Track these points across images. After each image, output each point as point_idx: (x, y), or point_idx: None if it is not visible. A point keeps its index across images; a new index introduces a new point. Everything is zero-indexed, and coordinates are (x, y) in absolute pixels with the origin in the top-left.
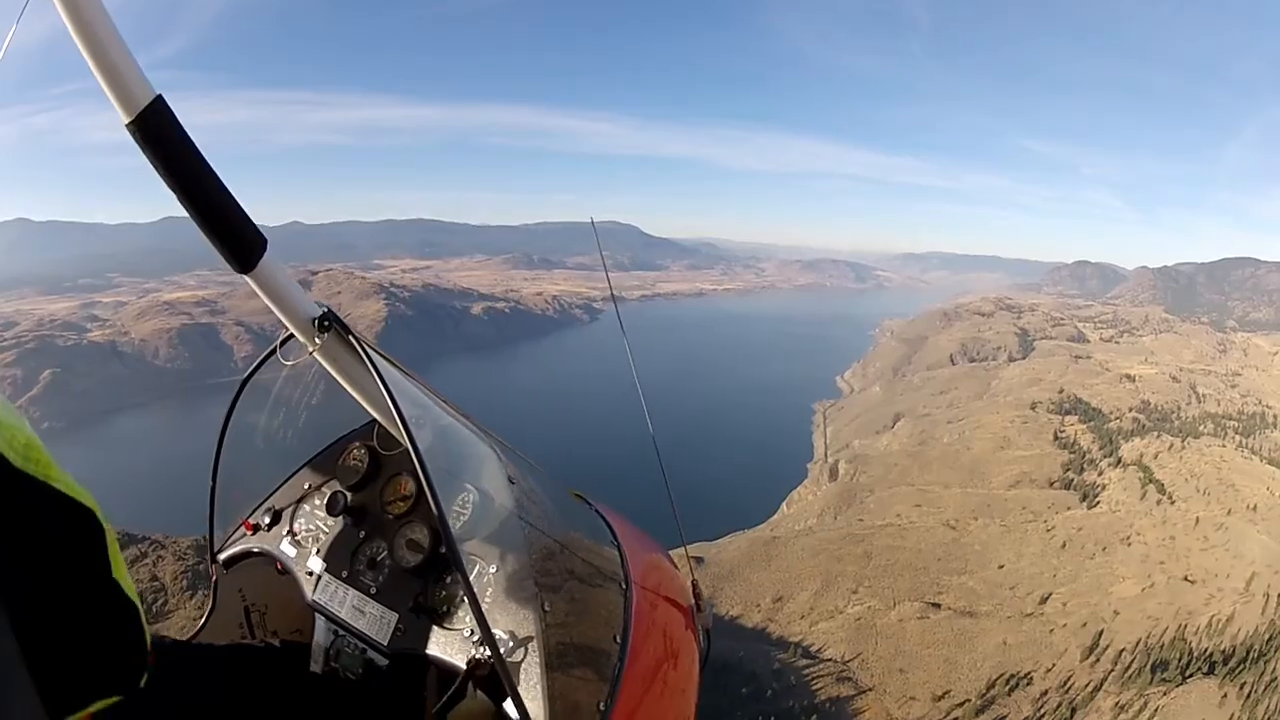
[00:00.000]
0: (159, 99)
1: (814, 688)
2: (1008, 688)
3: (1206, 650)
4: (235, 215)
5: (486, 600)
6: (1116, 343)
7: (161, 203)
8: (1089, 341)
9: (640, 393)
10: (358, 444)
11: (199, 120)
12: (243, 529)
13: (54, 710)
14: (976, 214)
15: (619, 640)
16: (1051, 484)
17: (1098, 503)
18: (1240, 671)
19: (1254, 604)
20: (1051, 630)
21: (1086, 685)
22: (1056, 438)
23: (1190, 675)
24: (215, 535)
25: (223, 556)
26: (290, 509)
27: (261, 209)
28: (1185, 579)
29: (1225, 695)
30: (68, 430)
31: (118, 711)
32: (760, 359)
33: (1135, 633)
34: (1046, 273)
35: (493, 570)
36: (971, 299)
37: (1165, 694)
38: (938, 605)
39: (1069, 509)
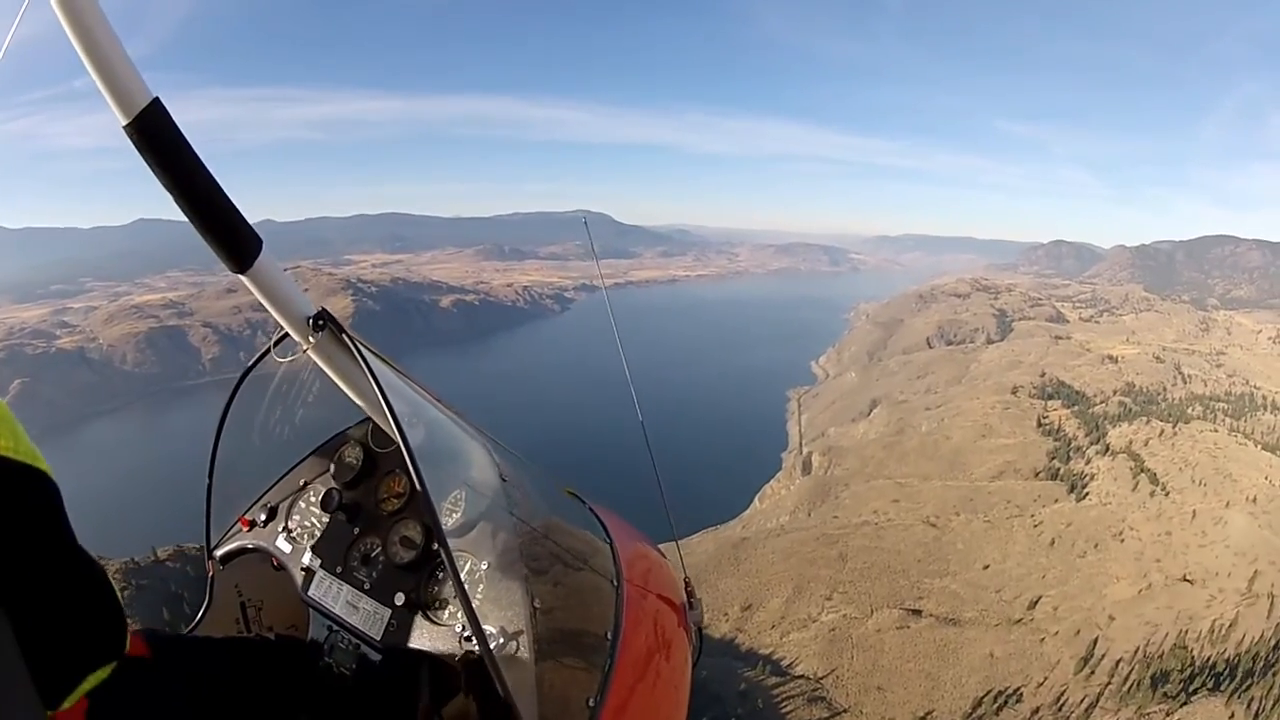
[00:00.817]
0: (156, 101)
1: (784, 710)
2: (996, 706)
3: (1210, 660)
4: (231, 216)
5: (477, 596)
6: (1096, 322)
7: (134, 205)
8: (1068, 321)
9: (630, 385)
10: (352, 442)
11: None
12: (239, 525)
13: (49, 696)
14: (951, 195)
15: (609, 636)
16: (1037, 474)
17: (1086, 494)
18: (1248, 686)
19: (1259, 606)
20: (1042, 639)
21: (1081, 701)
22: (1040, 424)
23: (1195, 690)
24: (211, 531)
25: (219, 553)
26: (286, 505)
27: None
28: (1184, 579)
29: (1232, 715)
30: (37, 440)
31: (116, 703)
32: (734, 346)
33: (1133, 640)
34: (1022, 253)
35: (484, 566)
36: (947, 280)
37: (1168, 714)
38: (918, 612)
39: (1056, 501)
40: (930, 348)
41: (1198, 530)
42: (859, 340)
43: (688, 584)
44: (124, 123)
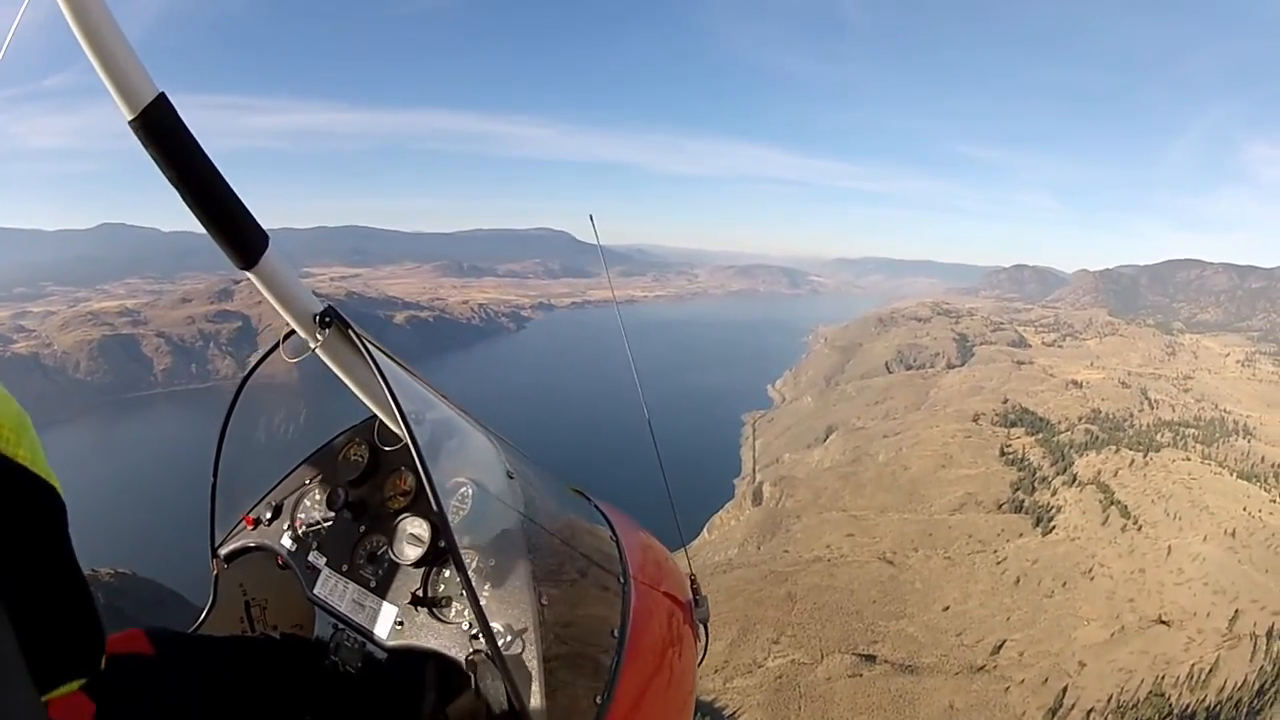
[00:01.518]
0: (161, 96)
1: None
2: None
3: (1188, 708)
4: (238, 212)
5: (484, 593)
6: (1060, 346)
7: (100, 209)
8: (1030, 346)
9: (640, 393)
10: (358, 439)
11: (126, 126)
12: (243, 524)
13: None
14: (913, 218)
15: (616, 634)
16: (1000, 506)
17: (1053, 528)
18: None
19: (1241, 649)
20: (1007, 688)
21: None
22: (1003, 453)
23: None
24: (216, 530)
25: (223, 551)
26: (291, 503)
27: (190, 218)
28: (1159, 620)
29: None
30: None
31: (121, 701)
32: (689, 368)
33: (1105, 688)
34: (984, 276)
35: (491, 564)
36: (908, 304)
37: None
38: (872, 658)
39: (1021, 536)
40: (889, 372)
41: (1173, 567)
42: (816, 364)
43: (694, 581)
44: (129, 118)
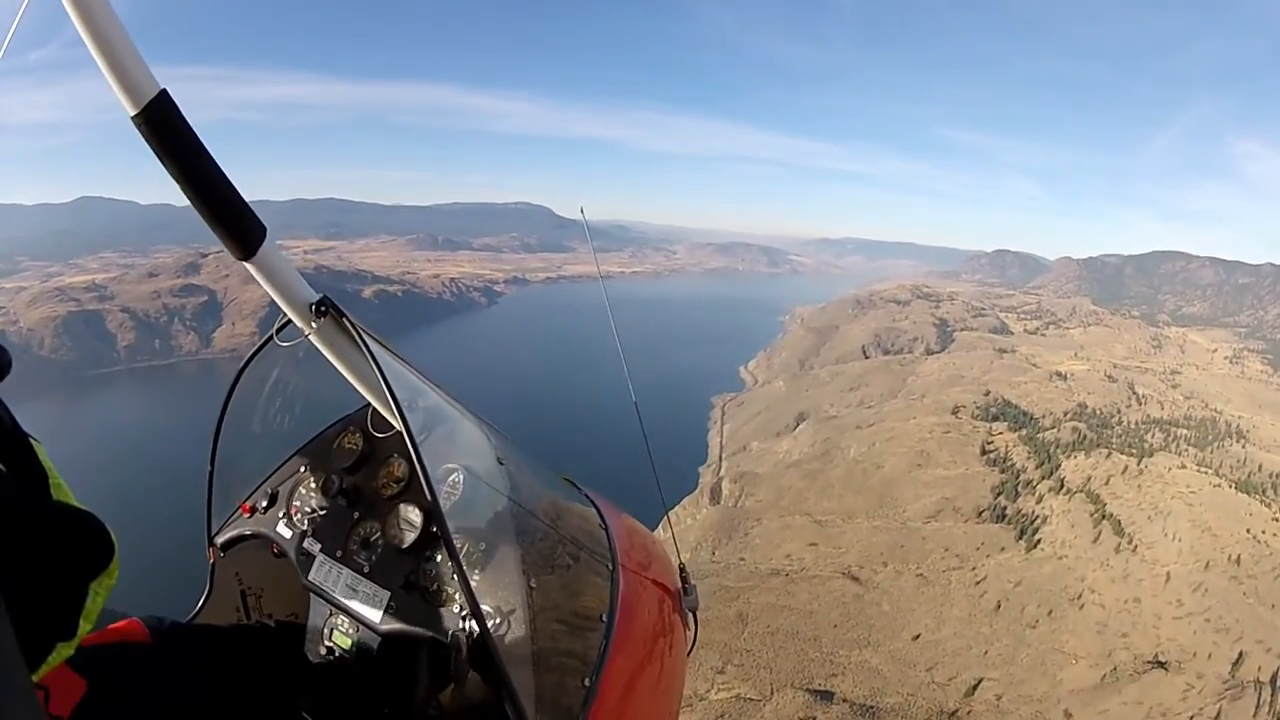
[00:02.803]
0: (164, 92)
1: None
2: None
3: None
4: (237, 204)
5: (475, 577)
6: (1043, 335)
7: (77, 183)
8: (1013, 334)
9: (630, 386)
10: (352, 428)
11: (107, 99)
12: (240, 512)
13: (62, 625)
14: (894, 201)
15: (605, 619)
16: (980, 515)
17: (1038, 541)
18: None
19: (1245, 700)
20: None
21: None
22: (984, 452)
23: None
24: (212, 520)
25: (220, 540)
26: (286, 491)
27: (168, 190)
28: (1156, 661)
29: None
30: None
31: (117, 689)
32: (660, 346)
33: None
34: (965, 260)
35: (481, 548)
36: (887, 286)
37: None
38: (829, 695)
39: (1003, 551)
40: (866, 357)
41: (1172, 597)
42: (791, 346)
43: (683, 570)
44: (132, 113)
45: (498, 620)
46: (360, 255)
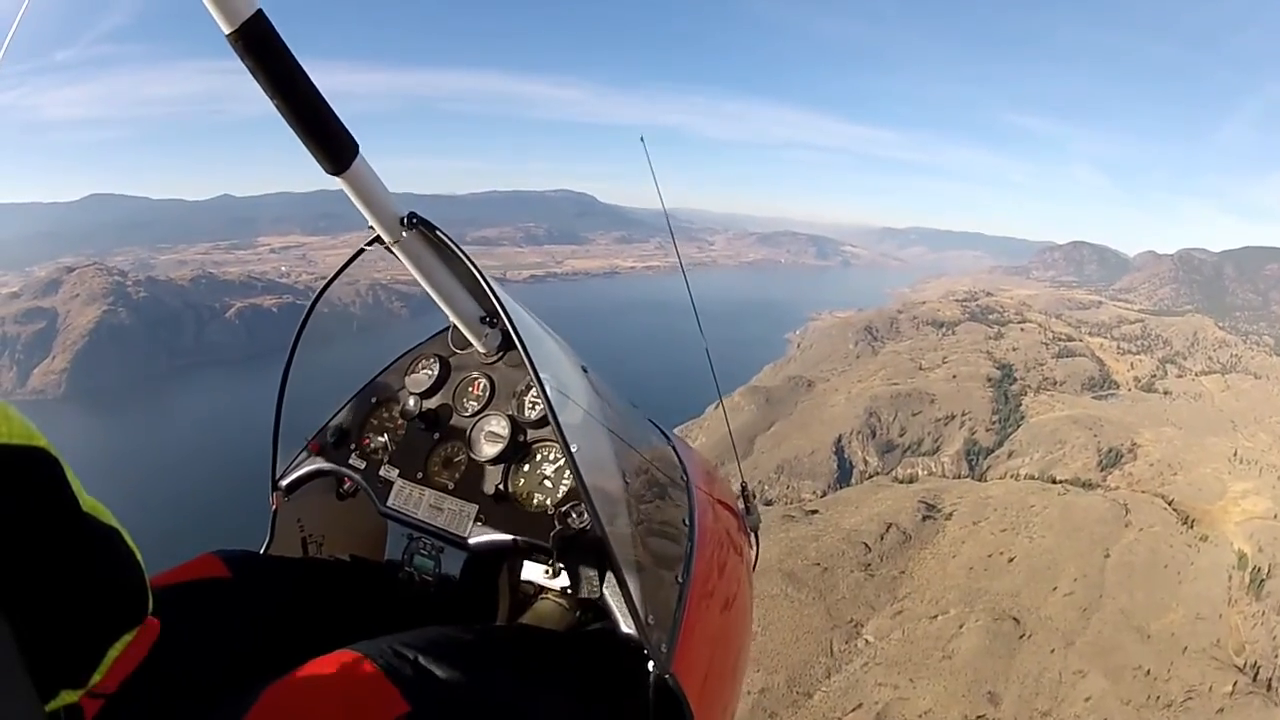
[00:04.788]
0: (260, 12)
1: None
2: None
3: None
4: (330, 121)
5: (566, 481)
6: (1160, 387)
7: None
8: (1117, 387)
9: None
10: (425, 355)
11: (150, 93)
12: (306, 451)
13: (77, 671)
14: (960, 191)
15: (687, 523)
16: None
17: None
18: None
19: None
20: None
21: None
22: None
23: None
24: (277, 464)
25: (285, 482)
26: (358, 425)
27: (200, 183)
28: None
29: None
30: None
31: (197, 624)
32: (623, 369)
33: None
34: (1036, 254)
35: (576, 448)
36: (941, 286)
37: None
38: None
39: None
40: (821, 496)
41: None
42: (735, 418)
43: (745, 491)
44: (227, 32)
45: (602, 515)
46: (324, 253)
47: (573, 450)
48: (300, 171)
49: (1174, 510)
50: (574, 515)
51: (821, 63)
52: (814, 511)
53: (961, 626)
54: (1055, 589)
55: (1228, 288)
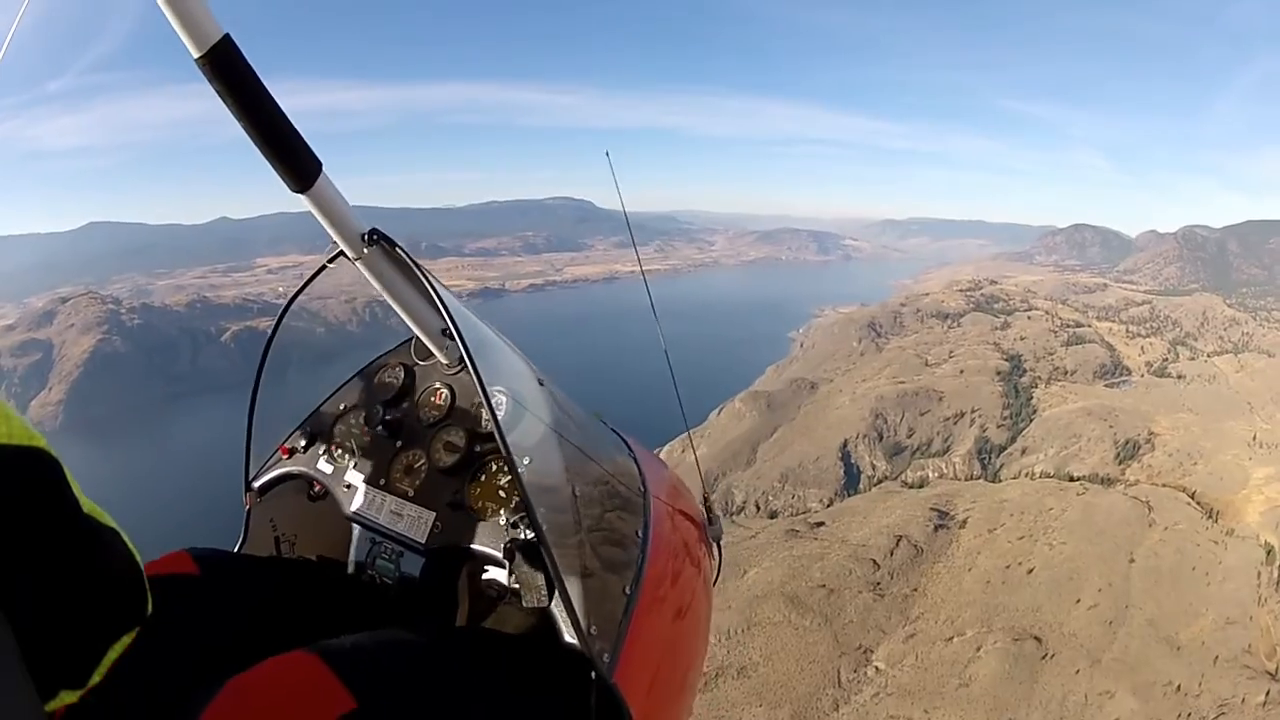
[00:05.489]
0: (227, 36)
1: None
2: None
3: None
4: (294, 141)
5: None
6: (1174, 370)
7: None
8: (1130, 373)
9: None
10: (392, 363)
11: (144, 118)
12: (278, 454)
13: (77, 673)
14: (961, 179)
15: (640, 534)
16: None
17: None
18: None
19: None
20: None
21: None
22: None
23: None
24: (250, 466)
25: (257, 484)
26: (326, 429)
27: (198, 206)
28: None
29: None
30: None
31: (164, 621)
32: (616, 379)
33: None
34: (1038, 239)
35: (527, 462)
36: (944, 276)
37: None
38: None
39: None
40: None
41: None
42: (734, 427)
43: (707, 502)
44: (196, 56)
45: (545, 527)
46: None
47: (519, 463)
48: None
49: (1197, 504)
50: (524, 525)
51: (814, 55)
52: (819, 524)
53: (979, 649)
54: (1079, 601)
55: (1232, 264)
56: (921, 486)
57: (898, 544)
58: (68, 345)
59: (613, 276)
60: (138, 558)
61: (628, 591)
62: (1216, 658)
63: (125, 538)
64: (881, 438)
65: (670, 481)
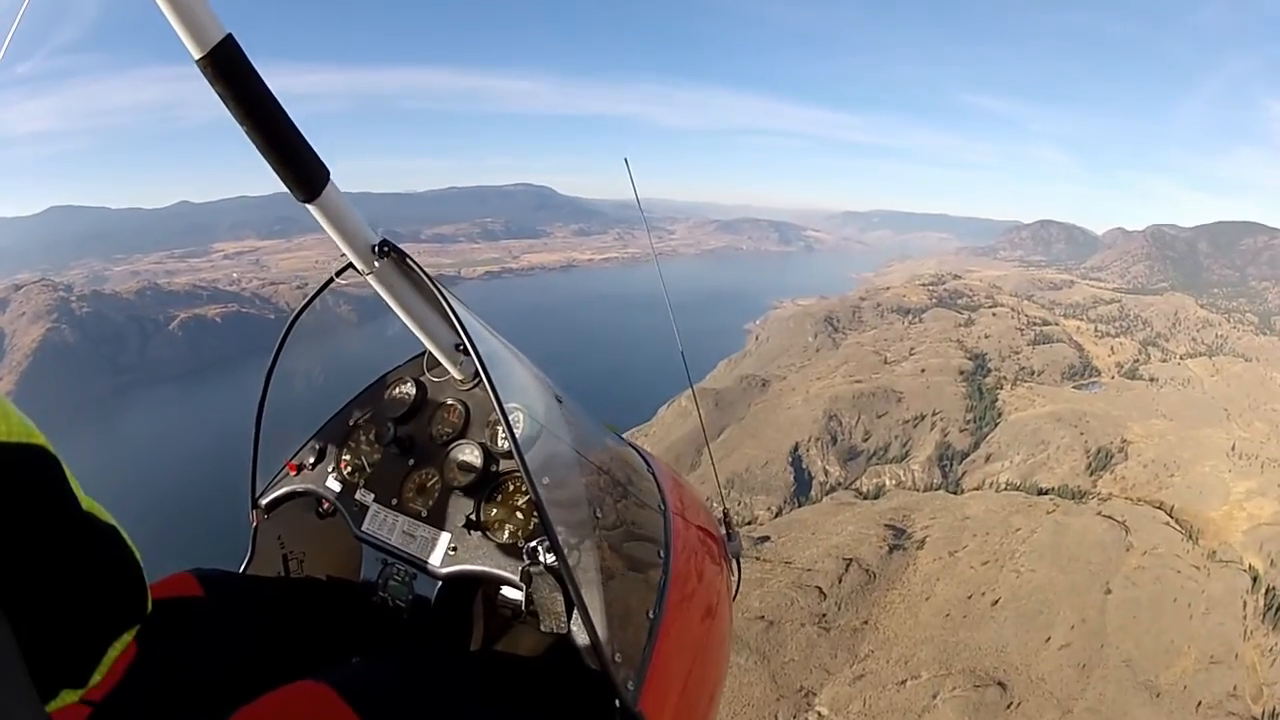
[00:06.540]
0: (229, 36)
1: None
2: None
3: None
4: (300, 147)
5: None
6: (1145, 372)
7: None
8: (1099, 374)
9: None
10: (403, 378)
11: (109, 102)
12: (285, 471)
13: (78, 672)
14: (924, 173)
15: (662, 555)
16: None
17: None
18: None
19: None
20: None
21: None
22: None
23: None
24: (256, 483)
25: (264, 501)
26: (336, 446)
27: (161, 190)
28: None
29: None
30: None
31: (169, 643)
32: (571, 371)
33: None
34: (1003, 233)
35: (545, 480)
36: (906, 270)
37: None
38: None
39: None
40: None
41: None
42: (673, 429)
43: (726, 518)
44: (198, 57)
45: (566, 549)
46: (277, 258)
47: (538, 483)
48: (257, 175)
49: (1176, 523)
50: (542, 549)
51: (777, 47)
52: (764, 539)
53: (935, 696)
54: (1049, 640)
55: (1203, 264)
56: (877, 497)
57: (847, 568)
58: (18, 334)
59: (570, 264)
60: (137, 555)
61: (651, 615)
62: (1200, 703)
63: (124, 535)
64: (835, 441)
65: (689, 498)
